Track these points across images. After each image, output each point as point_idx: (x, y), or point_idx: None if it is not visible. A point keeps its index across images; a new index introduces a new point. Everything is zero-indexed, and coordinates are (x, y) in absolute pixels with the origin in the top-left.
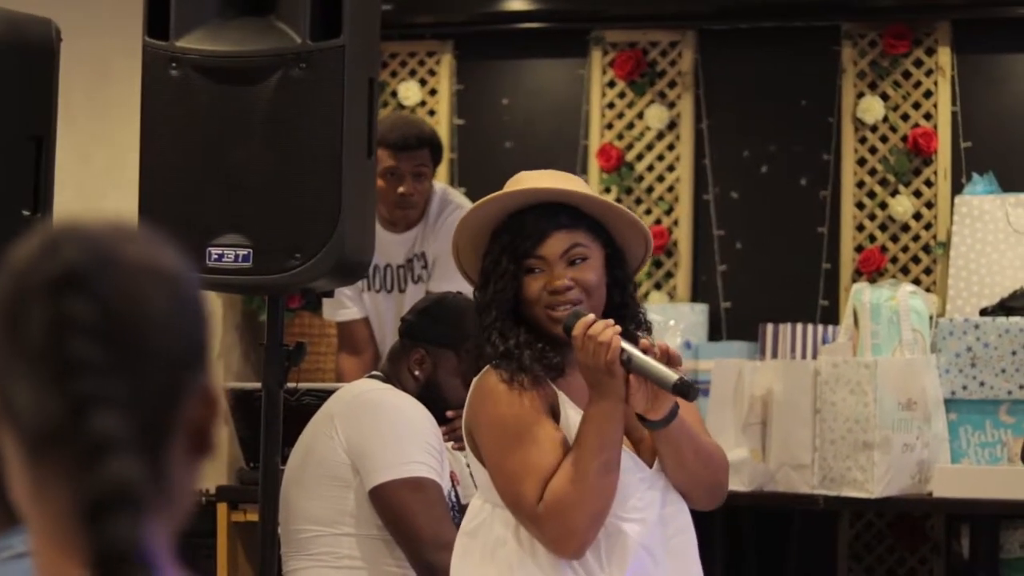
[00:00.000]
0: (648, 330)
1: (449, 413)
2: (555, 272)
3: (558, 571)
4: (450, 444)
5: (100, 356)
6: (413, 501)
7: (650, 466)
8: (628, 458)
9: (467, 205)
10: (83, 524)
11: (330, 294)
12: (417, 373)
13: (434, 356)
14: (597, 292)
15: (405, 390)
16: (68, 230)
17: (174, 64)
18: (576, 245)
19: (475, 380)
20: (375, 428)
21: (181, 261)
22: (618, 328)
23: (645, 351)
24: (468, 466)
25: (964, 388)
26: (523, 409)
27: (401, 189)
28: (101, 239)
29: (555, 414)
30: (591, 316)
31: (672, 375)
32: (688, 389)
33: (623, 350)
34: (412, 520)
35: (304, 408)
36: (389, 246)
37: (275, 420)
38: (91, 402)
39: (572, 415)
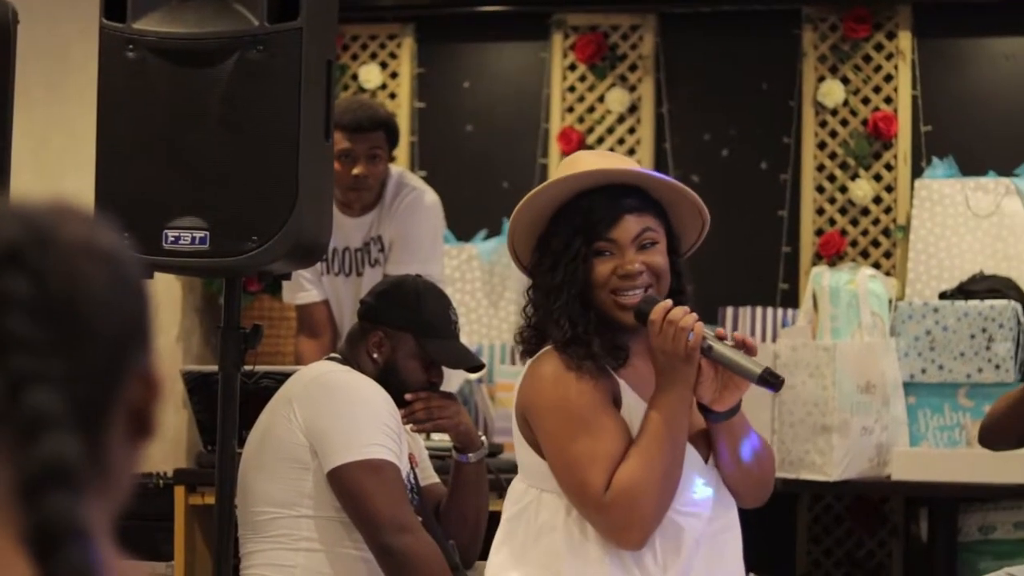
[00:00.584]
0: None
1: (408, 396)
2: (627, 256)
3: (606, 563)
4: (409, 426)
5: (36, 333)
6: (371, 483)
7: (705, 461)
8: (688, 450)
9: (424, 188)
10: (19, 501)
11: (288, 276)
12: (376, 356)
13: (393, 339)
14: (665, 277)
15: (364, 372)
16: (7, 209)
17: (131, 46)
18: (647, 229)
19: (531, 362)
20: (333, 410)
21: (121, 241)
22: (696, 315)
23: (721, 339)
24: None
25: (923, 371)
26: (590, 396)
27: (355, 171)
28: (40, 218)
29: (617, 403)
30: (668, 301)
31: (757, 366)
32: (775, 380)
33: (704, 337)
34: (370, 502)
35: (263, 391)
36: (347, 230)
37: (231, 403)
38: (26, 379)
39: (634, 405)
